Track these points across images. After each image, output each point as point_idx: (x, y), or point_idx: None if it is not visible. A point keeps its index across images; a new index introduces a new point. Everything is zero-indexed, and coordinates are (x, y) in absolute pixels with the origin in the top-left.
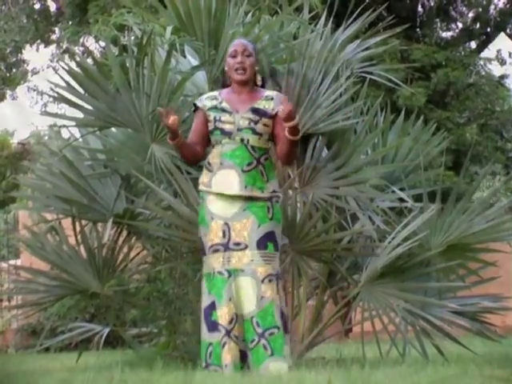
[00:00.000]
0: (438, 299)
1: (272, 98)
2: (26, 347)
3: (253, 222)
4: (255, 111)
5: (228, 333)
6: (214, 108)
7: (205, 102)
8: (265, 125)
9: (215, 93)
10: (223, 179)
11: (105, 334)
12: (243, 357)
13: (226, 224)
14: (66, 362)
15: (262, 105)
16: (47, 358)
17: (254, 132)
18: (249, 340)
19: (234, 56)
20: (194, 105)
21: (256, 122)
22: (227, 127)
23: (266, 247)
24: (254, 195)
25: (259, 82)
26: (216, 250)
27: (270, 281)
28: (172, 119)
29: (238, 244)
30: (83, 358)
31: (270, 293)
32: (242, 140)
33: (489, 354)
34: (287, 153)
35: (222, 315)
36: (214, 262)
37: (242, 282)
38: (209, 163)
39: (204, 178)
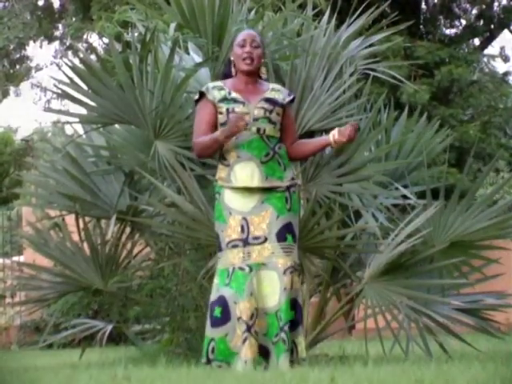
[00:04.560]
0: (442, 296)
1: (279, 90)
2: (29, 344)
3: (271, 213)
4: (268, 101)
5: (249, 328)
6: (225, 99)
7: (213, 92)
8: (277, 114)
9: (220, 83)
10: (242, 172)
11: (108, 331)
12: (263, 351)
13: (245, 219)
14: (69, 358)
15: (272, 95)
16: (50, 355)
17: (270, 121)
18: (272, 334)
19: (242, 46)
20: (201, 94)
21: (271, 112)
22: None
23: (285, 239)
24: (275, 185)
25: (263, 75)
26: (235, 246)
27: (290, 273)
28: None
29: (257, 238)
30: (86, 354)
31: (291, 285)
32: (258, 130)
33: (492, 350)
34: (309, 154)
35: (244, 310)
36: (234, 258)
37: (265, 276)
38: (223, 157)
39: (221, 173)
